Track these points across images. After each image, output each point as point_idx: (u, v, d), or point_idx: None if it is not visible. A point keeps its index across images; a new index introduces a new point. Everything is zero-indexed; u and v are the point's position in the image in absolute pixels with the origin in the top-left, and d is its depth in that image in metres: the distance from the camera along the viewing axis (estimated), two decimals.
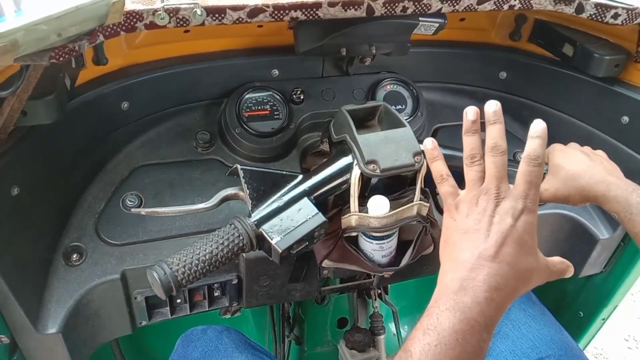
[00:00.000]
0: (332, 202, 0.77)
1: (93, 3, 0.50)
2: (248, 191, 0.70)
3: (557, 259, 0.58)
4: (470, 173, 0.57)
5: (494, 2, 0.80)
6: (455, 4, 0.78)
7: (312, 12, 0.73)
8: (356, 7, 0.74)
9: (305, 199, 0.69)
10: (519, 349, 0.89)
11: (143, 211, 0.75)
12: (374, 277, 0.96)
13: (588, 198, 0.76)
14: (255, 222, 0.66)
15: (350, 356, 1.10)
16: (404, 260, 0.78)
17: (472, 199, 0.56)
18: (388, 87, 1.00)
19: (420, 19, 0.84)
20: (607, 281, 1.10)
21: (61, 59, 0.54)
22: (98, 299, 0.78)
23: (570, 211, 0.99)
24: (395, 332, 1.33)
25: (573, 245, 1.02)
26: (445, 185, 0.60)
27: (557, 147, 0.83)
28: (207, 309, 0.89)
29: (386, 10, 0.76)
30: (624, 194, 0.72)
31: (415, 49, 0.97)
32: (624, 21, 0.84)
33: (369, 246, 0.77)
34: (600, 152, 0.83)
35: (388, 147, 0.71)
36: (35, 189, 0.72)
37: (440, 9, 0.78)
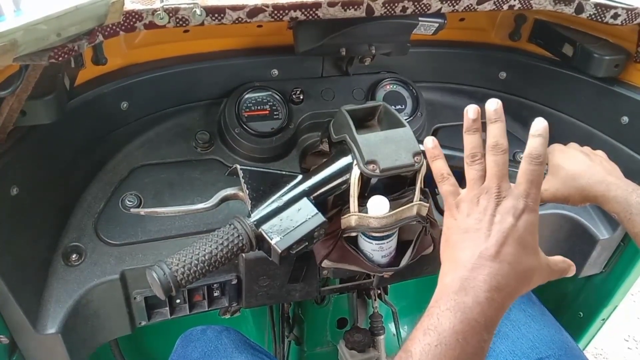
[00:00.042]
0: (332, 202, 0.77)
1: (92, 3, 0.50)
2: (247, 191, 0.69)
3: (558, 258, 0.58)
4: (471, 172, 0.56)
5: (494, 2, 0.80)
6: (455, 4, 0.78)
7: (311, 12, 0.73)
8: (356, 7, 0.74)
9: (305, 199, 0.69)
10: (519, 349, 0.89)
11: (142, 211, 0.75)
12: (373, 277, 0.96)
13: (588, 198, 0.76)
14: (255, 222, 0.66)
15: (350, 356, 1.10)
16: (404, 261, 0.78)
17: (473, 198, 0.55)
18: (388, 87, 1.00)
19: (420, 19, 0.84)
20: (607, 281, 1.10)
21: (60, 58, 0.54)
22: (97, 299, 0.78)
23: (570, 211, 0.99)
24: (395, 332, 1.33)
25: (573, 246, 1.02)
26: (446, 185, 0.59)
27: (557, 147, 0.83)
28: (207, 309, 0.89)
29: (386, 10, 0.76)
30: (623, 194, 0.72)
31: (415, 49, 0.97)
32: (623, 21, 0.84)
33: (368, 246, 0.77)
34: (600, 152, 0.83)
35: (388, 147, 0.71)
36: (35, 189, 0.72)
37: (440, 9, 0.78)
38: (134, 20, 0.64)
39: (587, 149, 0.83)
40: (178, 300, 0.87)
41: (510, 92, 1.08)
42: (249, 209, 0.69)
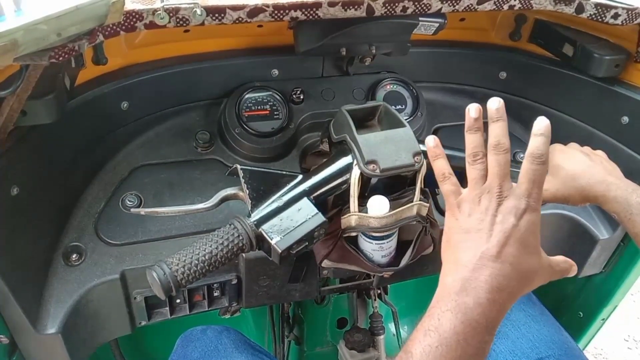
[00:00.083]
0: (332, 202, 0.77)
1: (93, 3, 0.50)
2: (248, 191, 0.69)
3: (560, 258, 0.57)
4: (472, 171, 0.56)
5: (494, 2, 0.80)
6: (455, 4, 0.78)
7: (312, 12, 0.72)
8: (356, 7, 0.74)
9: (305, 199, 0.69)
10: (519, 349, 0.89)
11: (142, 211, 0.75)
12: (373, 277, 0.96)
13: (588, 198, 0.76)
14: (255, 222, 0.66)
15: (350, 356, 1.10)
16: (404, 261, 0.78)
17: (475, 198, 0.55)
18: (388, 87, 1.00)
19: (420, 19, 0.84)
20: (607, 281, 1.10)
21: (61, 58, 0.54)
22: (97, 299, 0.78)
23: (570, 211, 0.99)
24: (395, 332, 1.33)
25: (573, 246, 1.02)
26: (447, 184, 0.59)
27: (557, 147, 0.83)
28: (207, 309, 0.89)
29: (386, 10, 0.75)
30: (623, 194, 0.72)
31: (415, 49, 0.97)
32: (624, 21, 0.84)
33: (368, 246, 0.77)
34: (600, 152, 0.83)
35: (388, 147, 0.71)
36: (35, 189, 0.72)
37: (440, 9, 0.78)
38: (134, 20, 0.64)
39: (587, 149, 0.83)
40: (178, 300, 0.87)
41: (511, 92, 1.08)
42: (249, 208, 0.69)
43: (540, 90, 1.05)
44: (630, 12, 0.83)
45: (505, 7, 0.81)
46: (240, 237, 0.64)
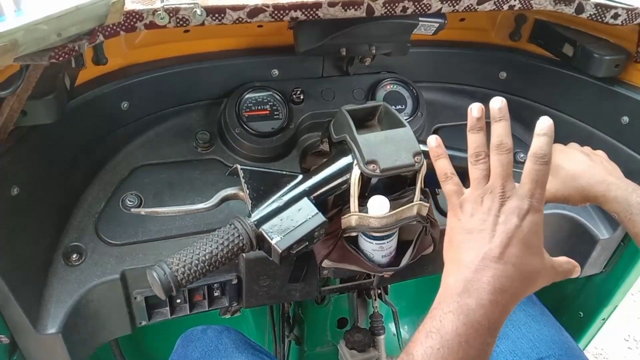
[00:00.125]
0: (332, 202, 0.77)
1: (93, 3, 0.50)
2: (248, 191, 0.69)
3: (563, 259, 0.57)
4: (475, 171, 0.56)
5: (494, 2, 0.80)
6: (455, 4, 0.78)
7: (312, 12, 0.72)
8: (356, 7, 0.74)
9: (305, 199, 0.69)
10: (519, 349, 0.89)
11: (143, 211, 0.75)
12: (374, 277, 0.96)
13: (588, 198, 0.76)
14: (255, 222, 0.66)
15: (350, 356, 1.10)
16: (404, 260, 0.78)
17: (477, 198, 0.55)
18: (388, 87, 1.00)
19: (420, 19, 0.84)
20: (607, 281, 1.10)
21: (61, 58, 0.54)
22: (98, 299, 0.78)
23: (570, 211, 0.99)
24: (395, 332, 1.33)
25: (573, 246, 1.02)
26: (449, 184, 0.58)
27: (557, 148, 0.83)
28: (207, 309, 0.89)
29: (386, 10, 0.75)
30: (624, 194, 0.72)
31: (415, 49, 0.97)
32: (624, 21, 0.84)
33: (369, 246, 0.77)
34: (600, 152, 0.83)
35: (388, 147, 0.71)
36: (35, 189, 0.72)
37: (440, 9, 0.78)
38: (134, 20, 0.64)
39: (587, 149, 0.83)
40: (178, 300, 0.88)
41: (511, 92, 1.07)
42: (250, 208, 0.69)
43: (540, 90, 1.05)
44: (630, 12, 0.83)
45: (505, 7, 0.81)
46: (241, 237, 0.64)
